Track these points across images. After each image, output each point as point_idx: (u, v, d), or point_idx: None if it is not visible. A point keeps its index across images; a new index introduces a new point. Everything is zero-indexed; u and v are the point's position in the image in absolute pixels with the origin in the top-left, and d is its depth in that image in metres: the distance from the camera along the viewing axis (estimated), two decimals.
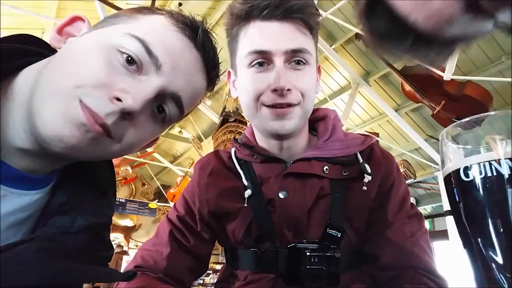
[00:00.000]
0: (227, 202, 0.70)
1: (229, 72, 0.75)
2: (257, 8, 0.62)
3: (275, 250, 0.62)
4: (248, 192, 0.67)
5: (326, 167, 0.67)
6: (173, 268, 0.69)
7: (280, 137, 0.68)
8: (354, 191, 0.66)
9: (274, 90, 0.61)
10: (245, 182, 0.69)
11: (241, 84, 0.67)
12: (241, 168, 0.71)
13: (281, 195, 0.66)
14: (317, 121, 0.77)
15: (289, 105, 0.62)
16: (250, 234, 0.67)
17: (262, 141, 0.73)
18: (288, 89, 0.61)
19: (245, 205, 0.67)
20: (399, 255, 0.63)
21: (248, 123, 0.83)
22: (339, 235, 0.60)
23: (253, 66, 0.64)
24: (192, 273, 0.72)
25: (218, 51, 0.53)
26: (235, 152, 0.75)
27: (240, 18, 0.65)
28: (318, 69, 0.72)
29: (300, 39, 0.63)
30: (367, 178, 0.66)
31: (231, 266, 0.72)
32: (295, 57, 0.63)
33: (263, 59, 0.63)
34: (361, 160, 0.68)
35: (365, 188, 0.66)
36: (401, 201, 0.68)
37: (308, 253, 0.58)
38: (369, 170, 0.67)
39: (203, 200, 0.72)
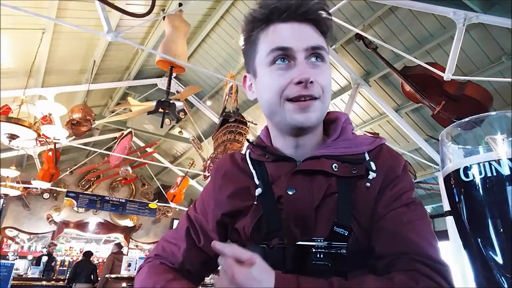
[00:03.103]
0: (239, 201, 0.73)
1: (244, 77, 0.79)
2: (277, 11, 0.67)
3: (283, 246, 0.63)
4: (258, 191, 0.70)
5: (335, 164, 0.68)
6: (187, 262, 0.75)
7: (300, 131, 0.70)
8: (360, 190, 0.67)
9: (299, 83, 0.65)
10: (257, 181, 0.72)
11: (263, 83, 0.70)
12: (254, 168, 0.74)
13: (289, 192, 0.68)
14: (328, 123, 0.79)
15: (312, 98, 0.66)
16: (259, 231, 0.69)
17: (278, 141, 0.75)
18: (311, 82, 0.65)
19: (255, 202, 0.70)
20: (393, 242, 0.62)
21: (254, 124, 0.86)
22: (346, 234, 0.61)
23: (275, 63, 0.67)
24: (205, 267, 0.77)
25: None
26: (249, 153, 0.78)
27: (261, 21, 0.69)
28: None
29: (317, 38, 0.68)
30: (372, 175, 0.67)
31: None
32: (314, 54, 0.67)
33: (285, 55, 0.66)
34: (367, 158, 0.70)
35: (368, 184, 0.67)
36: (401, 193, 0.67)
37: (314, 250, 0.59)
38: (373, 168, 0.68)
39: (218, 200, 0.76)
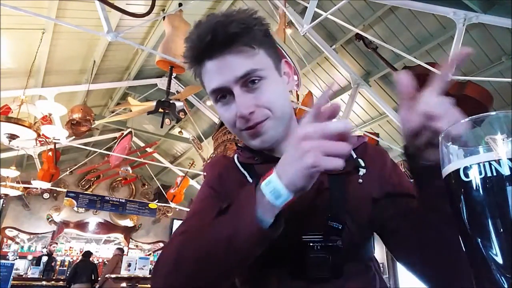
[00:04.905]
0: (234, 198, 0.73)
1: None
2: (200, 53, 0.66)
3: (281, 243, 0.63)
4: None
5: None
6: None
7: (268, 148, 0.72)
8: (352, 185, 0.70)
9: (240, 118, 0.66)
10: (250, 180, 0.73)
11: (219, 114, 0.73)
12: (244, 170, 0.76)
13: None
14: None
15: (258, 123, 0.66)
16: None
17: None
18: (251, 112, 0.65)
19: None
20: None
21: None
22: (340, 227, 0.63)
23: (219, 101, 0.68)
24: None
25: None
26: (237, 157, 0.79)
27: (193, 63, 0.69)
28: (288, 65, 0.75)
29: (245, 63, 0.64)
30: (362, 171, 0.70)
31: None
32: (247, 80, 0.65)
33: (223, 92, 0.67)
34: (355, 156, 0.73)
35: (360, 180, 0.70)
36: (409, 190, 0.69)
37: (311, 244, 0.61)
38: (363, 164, 0.71)
39: (219, 192, 0.75)
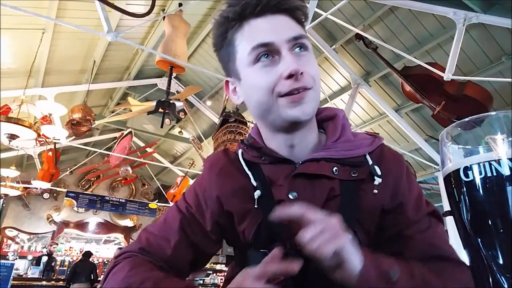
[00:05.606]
0: (236, 202, 0.69)
1: (226, 82, 0.75)
2: (250, 7, 0.63)
3: (285, 252, 0.59)
4: (257, 193, 0.66)
5: (335, 168, 0.66)
6: (177, 258, 0.68)
7: (296, 127, 0.66)
8: (365, 193, 0.65)
9: (289, 76, 0.61)
10: (254, 183, 0.67)
11: (250, 84, 0.66)
12: (249, 169, 0.70)
13: (290, 196, 0.65)
14: (325, 120, 0.75)
15: (305, 88, 0.63)
16: (260, 236, 0.66)
17: (271, 141, 0.72)
18: (301, 73, 0.61)
19: (255, 206, 0.66)
20: (420, 249, 0.63)
21: (253, 124, 0.81)
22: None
23: (259, 61, 0.63)
24: (192, 267, 0.72)
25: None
26: (242, 153, 0.74)
27: (234, 21, 0.65)
28: None
29: (296, 27, 0.65)
30: (378, 181, 0.65)
31: (240, 267, 0.71)
32: (297, 44, 0.63)
33: (268, 51, 0.62)
34: (370, 162, 0.67)
35: (376, 191, 0.65)
36: (416, 200, 0.67)
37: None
38: (379, 172, 0.65)
39: (214, 198, 0.71)
